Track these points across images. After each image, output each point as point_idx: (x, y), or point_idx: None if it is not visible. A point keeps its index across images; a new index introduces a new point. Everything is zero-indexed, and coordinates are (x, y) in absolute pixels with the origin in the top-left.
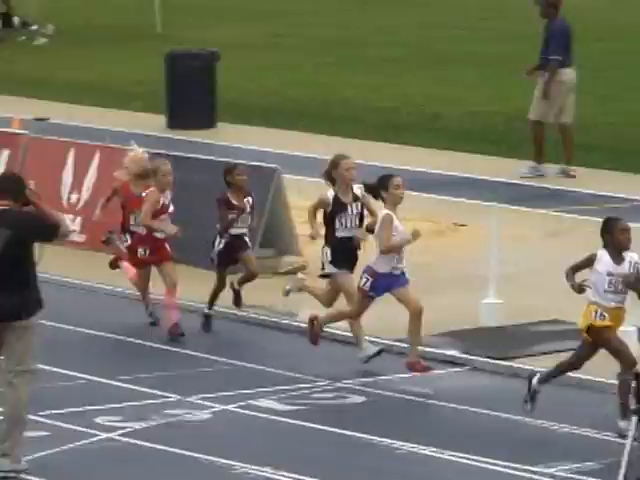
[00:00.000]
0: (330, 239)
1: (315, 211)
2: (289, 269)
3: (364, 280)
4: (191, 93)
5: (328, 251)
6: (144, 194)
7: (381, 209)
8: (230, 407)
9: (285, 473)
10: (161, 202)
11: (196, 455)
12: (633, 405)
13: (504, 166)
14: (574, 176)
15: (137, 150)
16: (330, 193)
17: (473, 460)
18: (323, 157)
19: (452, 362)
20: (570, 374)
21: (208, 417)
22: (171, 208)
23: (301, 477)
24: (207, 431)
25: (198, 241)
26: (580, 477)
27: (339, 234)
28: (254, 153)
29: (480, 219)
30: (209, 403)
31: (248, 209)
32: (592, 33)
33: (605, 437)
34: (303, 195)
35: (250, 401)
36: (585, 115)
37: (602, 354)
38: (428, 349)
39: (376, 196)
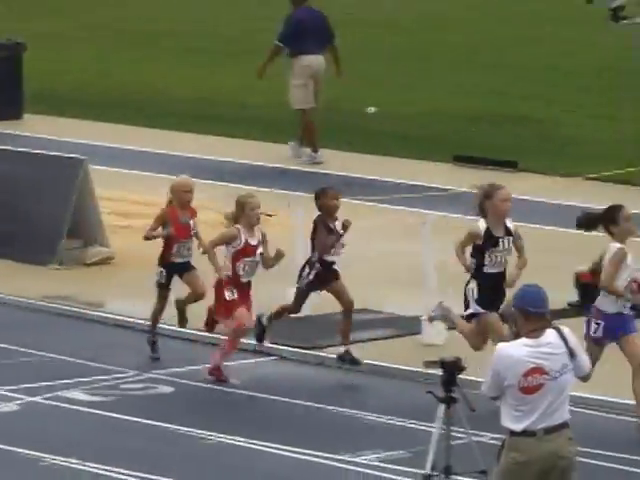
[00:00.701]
0: (476, 275)
1: (464, 248)
2: (96, 260)
3: (594, 327)
4: None
5: (475, 288)
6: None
7: (612, 242)
8: (38, 399)
9: (93, 464)
10: (243, 240)
11: (3, 447)
12: (441, 393)
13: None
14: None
15: (182, 176)
16: (482, 225)
17: (281, 449)
18: (140, 149)
19: (260, 352)
20: (379, 363)
21: (16, 409)
22: (260, 249)
23: (109, 468)
24: (15, 423)
25: None
26: (388, 465)
27: (487, 270)
28: (61, 144)
29: (289, 208)
30: (17, 395)
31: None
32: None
33: (413, 425)
34: (113, 186)
35: (58, 392)
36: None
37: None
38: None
39: (592, 226)
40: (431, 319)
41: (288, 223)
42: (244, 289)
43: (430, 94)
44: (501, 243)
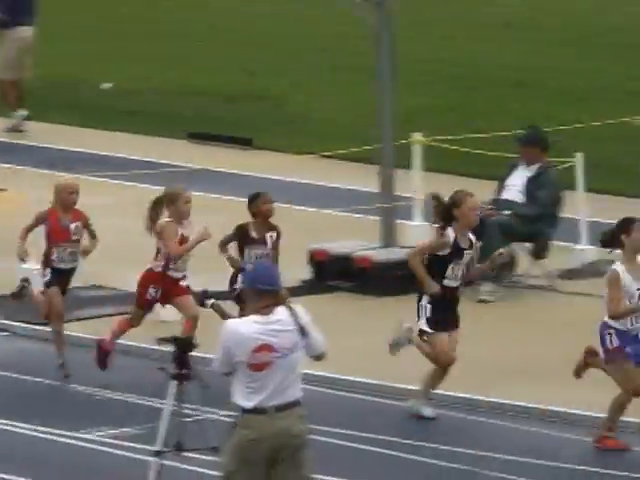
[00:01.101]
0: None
1: (422, 258)
2: None
3: (607, 338)
4: None
5: (429, 306)
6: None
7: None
8: None
9: None
10: (179, 233)
11: None
12: (173, 370)
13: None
14: (23, 131)
15: (67, 177)
16: (451, 233)
17: (19, 427)
18: None
19: None
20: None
21: None
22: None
23: None
24: None
25: None
26: (120, 442)
27: (447, 283)
28: None
29: (20, 184)
30: None
31: (269, 245)
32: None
33: (148, 402)
34: None
35: None
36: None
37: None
38: None
39: (612, 244)
40: (396, 346)
41: (21, 198)
42: (173, 284)
43: (165, 71)
44: (465, 255)
